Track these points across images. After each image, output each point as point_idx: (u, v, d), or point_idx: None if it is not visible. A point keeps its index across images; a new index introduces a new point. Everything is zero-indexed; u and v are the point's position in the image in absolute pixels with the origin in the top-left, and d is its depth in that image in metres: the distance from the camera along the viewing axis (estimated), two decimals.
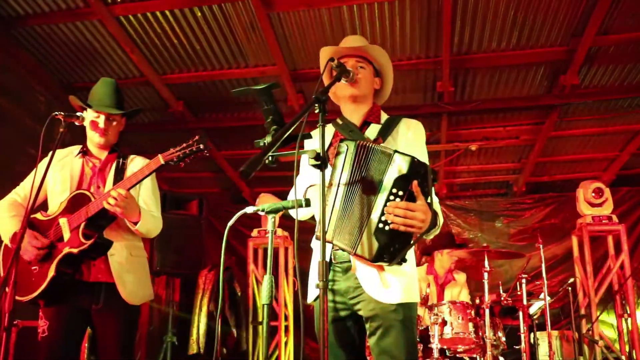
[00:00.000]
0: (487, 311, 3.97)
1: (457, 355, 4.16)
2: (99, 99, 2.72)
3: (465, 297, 4.77)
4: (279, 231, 6.01)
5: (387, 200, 1.81)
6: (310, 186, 2.08)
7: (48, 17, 4.36)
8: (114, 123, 2.74)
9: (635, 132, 6.18)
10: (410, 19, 4.44)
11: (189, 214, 5.54)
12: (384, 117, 2.23)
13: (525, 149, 6.68)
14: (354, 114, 2.20)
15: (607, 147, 6.61)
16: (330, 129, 2.18)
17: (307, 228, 2.02)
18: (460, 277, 4.97)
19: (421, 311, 4.26)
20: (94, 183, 2.69)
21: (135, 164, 2.73)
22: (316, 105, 1.73)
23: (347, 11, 4.34)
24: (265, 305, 1.74)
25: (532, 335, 4.67)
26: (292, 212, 2.09)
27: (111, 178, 2.69)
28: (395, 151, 1.85)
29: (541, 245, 4.63)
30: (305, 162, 2.13)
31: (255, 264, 6.18)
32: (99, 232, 2.51)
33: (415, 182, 1.81)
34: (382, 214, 1.81)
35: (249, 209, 1.91)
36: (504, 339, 4.24)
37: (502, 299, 4.38)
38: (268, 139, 1.71)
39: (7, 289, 2.10)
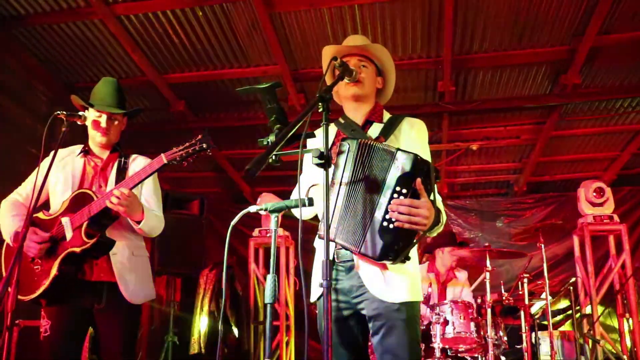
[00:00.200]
0: (489, 311, 3.97)
1: (459, 354, 4.16)
2: (100, 99, 2.72)
3: (467, 295, 4.77)
4: (280, 231, 6.02)
5: (391, 198, 1.81)
6: (313, 185, 2.07)
7: (49, 16, 4.36)
8: (116, 122, 2.74)
9: (636, 131, 6.18)
10: (411, 19, 4.44)
11: (190, 213, 5.53)
12: (387, 116, 2.23)
13: (526, 149, 6.68)
14: (356, 113, 2.20)
15: (608, 146, 6.61)
16: (332, 128, 2.19)
17: (309, 227, 2.02)
18: (462, 275, 4.97)
19: (422, 309, 4.26)
20: (95, 182, 2.68)
21: (137, 163, 2.72)
22: (320, 104, 1.72)
23: (349, 11, 4.34)
24: (269, 305, 1.73)
25: (533, 334, 4.67)
26: (294, 212, 2.09)
27: (113, 177, 2.69)
28: (398, 149, 1.85)
29: (542, 245, 4.62)
30: (308, 161, 2.12)
31: (256, 263, 6.18)
32: (102, 231, 2.51)
33: (418, 180, 1.81)
34: (386, 212, 1.81)
35: (252, 208, 1.91)
36: (505, 338, 4.24)
37: (504, 298, 4.38)
38: (271, 138, 1.71)
39: (9, 289, 2.10)
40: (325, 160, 1.67)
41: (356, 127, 2.14)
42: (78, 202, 2.54)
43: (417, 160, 1.81)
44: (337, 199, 1.90)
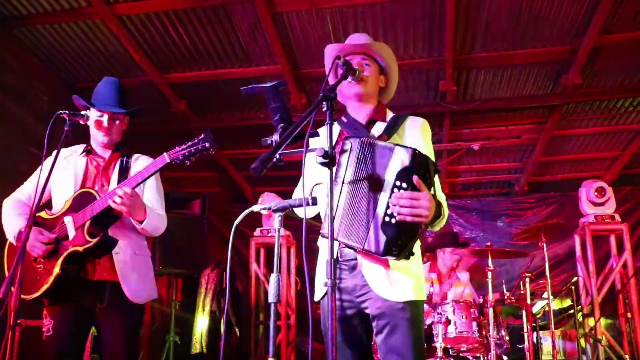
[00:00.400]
0: (490, 310, 3.97)
1: (461, 354, 4.15)
2: (102, 98, 2.72)
3: (468, 295, 4.77)
4: (281, 231, 6.00)
5: (392, 193, 1.81)
6: (317, 184, 2.07)
7: (51, 16, 4.36)
8: (117, 122, 2.74)
9: (637, 131, 6.17)
10: (412, 19, 4.44)
11: (191, 213, 5.53)
12: (390, 114, 2.23)
13: (527, 148, 6.68)
14: (359, 112, 2.19)
15: (609, 146, 6.60)
16: (335, 127, 2.18)
17: (311, 227, 2.02)
18: (464, 275, 4.97)
19: (424, 309, 4.25)
20: (98, 182, 2.69)
21: (140, 162, 2.73)
22: (324, 103, 1.72)
23: (350, 10, 4.34)
24: (273, 304, 1.73)
25: (535, 334, 4.67)
26: (297, 211, 2.09)
27: (115, 177, 2.69)
28: (396, 144, 1.86)
29: (545, 244, 4.62)
30: (311, 161, 2.12)
31: (257, 263, 6.18)
32: (104, 231, 2.51)
33: (418, 173, 1.81)
34: (388, 207, 1.81)
35: (256, 208, 1.91)
36: (507, 337, 4.24)
37: (506, 298, 4.38)
38: (275, 137, 1.71)
39: (12, 288, 2.10)
40: (329, 159, 1.67)
41: (360, 127, 2.14)
42: (80, 201, 2.54)
43: (415, 155, 1.82)
44: (340, 198, 1.90)
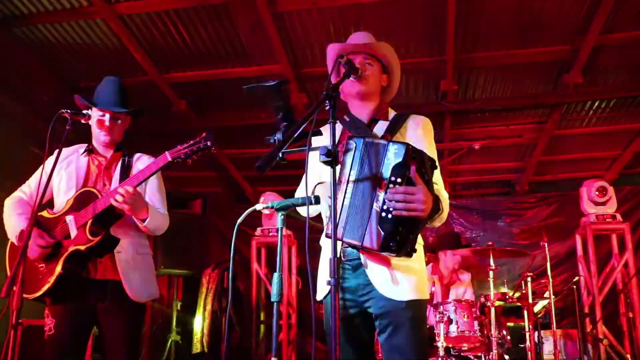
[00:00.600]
0: (492, 309, 3.96)
1: (462, 353, 4.15)
2: (104, 98, 2.72)
3: (470, 297, 4.77)
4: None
5: (387, 189, 1.82)
6: (319, 183, 2.07)
7: (52, 16, 4.36)
8: (119, 121, 2.74)
9: (638, 131, 6.17)
10: (414, 18, 4.43)
11: (192, 213, 5.54)
12: (392, 113, 2.23)
13: (528, 148, 6.67)
14: (361, 111, 2.20)
15: (610, 145, 6.60)
16: (338, 126, 2.18)
17: (314, 226, 2.02)
18: (465, 277, 4.97)
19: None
20: (99, 181, 2.69)
21: (141, 162, 2.73)
22: (327, 102, 1.72)
23: (352, 10, 4.34)
24: (276, 303, 1.73)
25: (536, 333, 4.66)
26: (299, 210, 2.09)
27: (117, 176, 2.69)
28: (390, 140, 1.87)
29: (546, 244, 4.62)
30: (313, 159, 2.12)
31: (259, 262, 6.18)
32: (106, 230, 2.51)
33: (413, 168, 1.82)
34: (384, 203, 1.81)
35: (258, 207, 1.90)
36: (508, 337, 4.24)
37: (507, 297, 4.38)
38: (279, 135, 1.71)
39: (14, 287, 2.10)
40: (332, 157, 1.67)
41: (362, 125, 2.14)
42: (82, 200, 2.54)
43: (408, 149, 1.82)
44: (344, 198, 1.90)
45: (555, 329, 4.56)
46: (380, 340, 1.99)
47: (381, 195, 1.83)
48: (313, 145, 1.80)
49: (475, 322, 4.00)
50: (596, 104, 5.65)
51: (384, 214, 1.81)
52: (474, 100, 5.54)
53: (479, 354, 4.17)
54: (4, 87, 4.55)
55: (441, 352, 3.89)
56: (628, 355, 5.14)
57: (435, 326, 4.00)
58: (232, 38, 4.68)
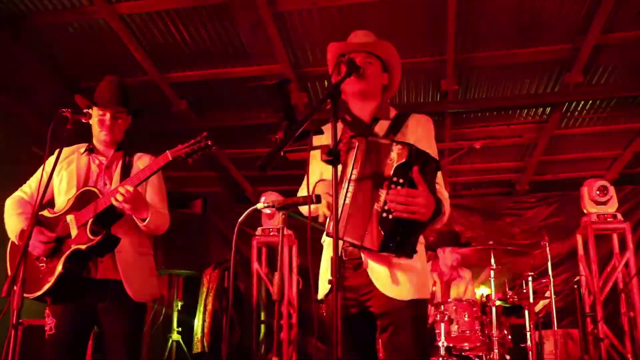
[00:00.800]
0: (493, 309, 3.96)
1: (463, 353, 4.15)
2: (104, 97, 2.72)
3: (470, 294, 4.76)
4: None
5: (389, 189, 1.81)
6: (320, 181, 2.07)
7: (52, 15, 4.35)
8: (120, 121, 2.75)
9: (638, 130, 6.16)
10: (414, 18, 4.43)
11: (192, 212, 5.54)
12: (393, 112, 2.23)
13: (528, 148, 6.67)
14: (362, 110, 2.19)
15: (611, 145, 6.59)
16: (339, 125, 2.17)
17: (314, 227, 2.01)
18: (466, 274, 4.97)
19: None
20: (100, 180, 2.69)
21: (142, 161, 2.73)
22: (328, 100, 1.72)
23: (352, 10, 4.33)
24: (277, 302, 1.72)
25: (537, 333, 4.66)
26: (301, 209, 2.09)
27: (117, 175, 2.69)
28: (393, 140, 1.86)
29: (547, 243, 4.62)
30: (315, 158, 2.12)
31: (259, 262, 6.18)
32: (107, 229, 2.50)
33: (415, 169, 1.81)
34: (385, 203, 1.81)
35: (260, 206, 1.90)
36: (509, 337, 4.24)
37: (508, 297, 4.38)
38: (280, 134, 1.71)
39: (15, 287, 2.10)
40: (334, 156, 1.66)
41: (363, 124, 2.14)
42: (83, 199, 2.54)
43: (412, 150, 1.82)
44: (345, 197, 1.90)
45: (556, 328, 4.56)
46: (381, 340, 1.99)
47: (382, 195, 1.82)
48: (314, 145, 1.80)
49: (476, 322, 4.00)
50: (597, 103, 5.64)
51: (384, 215, 1.81)
52: (474, 100, 5.53)
53: (480, 354, 4.17)
54: (4, 87, 4.55)
55: (442, 352, 3.89)
56: (629, 355, 5.13)
57: (436, 326, 4.00)
58: (232, 38, 4.68)
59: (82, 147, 2.78)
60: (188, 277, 6.21)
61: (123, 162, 2.73)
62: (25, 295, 2.41)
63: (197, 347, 5.90)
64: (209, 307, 6.06)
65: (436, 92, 5.49)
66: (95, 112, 2.70)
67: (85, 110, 2.61)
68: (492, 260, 4.26)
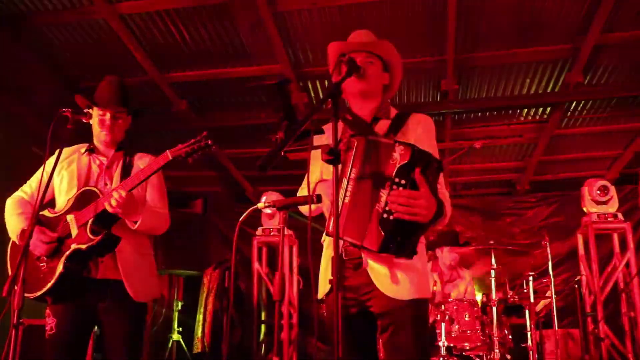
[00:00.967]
0: (494, 309, 3.96)
1: (464, 353, 4.15)
2: (104, 97, 2.72)
3: (470, 294, 4.76)
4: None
5: (390, 190, 1.81)
6: (321, 181, 2.07)
7: (52, 15, 4.35)
8: (120, 121, 2.75)
9: (638, 130, 6.16)
10: (414, 18, 4.43)
11: (193, 212, 5.53)
12: (393, 112, 2.22)
13: (528, 147, 6.67)
14: (363, 110, 2.19)
15: (611, 145, 6.59)
16: (339, 125, 2.17)
17: (315, 227, 2.01)
18: (466, 274, 4.97)
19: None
20: (101, 180, 2.69)
21: (143, 161, 2.73)
22: (329, 100, 1.72)
23: (352, 9, 4.33)
24: (278, 302, 1.72)
25: (537, 333, 4.66)
26: (301, 209, 2.09)
27: (118, 175, 2.69)
28: (396, 141, 1.86)
29: (547, 243, 4.62)
30: (315, 158, 2.12)
31: (260, 262, 6.18)
32: (107, 229, 2.50)
33: (417, 170, 1.81)
34: (386, 204, 1.81)
35: (261, 205, 1.90)
36: (510, 336, 4.24)
37: (509, 296, 4.38)
38: (280, 134, 1.71)
39: (15, 287, 2.10)
40: (334, 156, 1.66)
41: (363, 124, 2.14)
42: (83, 199, 2.54)
43: (415, 151, 1.81)
44: (344, 196, 1.89)
45: (556, 328, 4.56)
46: (381, 340, 1.98)
47: (383, 195, 1.82)
48: (315, 144, 1.80)
49: (477, 322, 3.99)
50: (597, 103, 5.64)
51: (385, 215, 1.80)
52: (474, 100, 5.53)
53: (481, 354, 4.17)
54: (4, 87, 4.55)
55: (443, 352, 3.89)
56: (629, 355, 5.13)
57: (436, 325, 4.00)
58: (232, 38, 4.68)
59: (83, 147, 2.78)
60: (188, 277, 6.21)
61: (123, 162, 2.73)
62: (25, 295, 2.41)
63: (197, 347, 5.90)
64: (210, 307, 6.06)
65: (436, 92, 5.49)
66: (95, 112, 2.70)
67: (85, 110, 2.61)
68: (493, 260, 4.26)
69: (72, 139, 2.54)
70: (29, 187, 2.77)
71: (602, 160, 7.01)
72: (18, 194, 2.76)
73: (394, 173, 1.81)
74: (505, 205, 7.43)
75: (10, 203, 2.73)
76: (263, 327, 6.26)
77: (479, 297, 4.62)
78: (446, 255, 4.98)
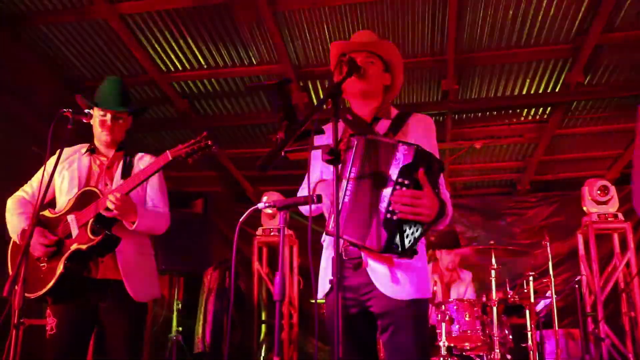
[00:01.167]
0: (494, 309, 3.96)
1: (464, 353, 4.15)
2: (105, 98, 2.72)
3: (471, 295, 4.76)
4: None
5: (394, 190, 1.81)
6: (321, 181, 2.07)
7: (53, 15, 4.35)
8: (121, 121, 2.75)
9: None
10: (415, 17, 4.43)
11: (193, 212, 5.53)
12: (394, 112, 2.22)
13: (529, 147, 6.67)
14: (363, 110, 2.19)
15: (612, 145, 6.59)
16: (340, 125, 2.17)
17: (314, 227, 2.01)
18: (466, 275, 4.97)
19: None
20: (101, 181, 2.69)
21: (143, 161, 2.73)
22: (329, 100, 1.72)
23: (352, 9, 4.33)
24: (278, 302, 1.72)
25: (538, 333, 4.66)
26: (301, 209, 2.09)
27: (118, 176, 2.69)
28: (399, 141, 1.85)
29: (548, 243, 4.61)
30: (316, 158, 2.12)
31: (260, 262, 6.18)
32: (108, 229, 2.50)
33: (421, 171, 1.81)
34: (389, 204, 1.80)
35: (261, 205, 1.90)
36: (510, 336, 4.24)
37: (509, 296, 4.38)
38: (281, 134, 1.70)
39: (16, 287, 2.10)
40: (335, 156, 1.66)
41: (364, 124, 2.14)
42: (84, 200, 2.55)
43: (418, 151, 1.81)
44: (344, 195, 1.89)
45: (557, 328, 4.55)
46: (381, 340, 1.98)
47: (386, 195, 1.82)
48: (315, 144, 1.80)
49: (477, 322, 3.99)
50: (597, 103, 5.64)
51: (388, 215, 1.80)
52: (474, 100, 5.54)
53: (481, 354, 4.17)
54: (4, 87, 4.55)
55: (443, 352, 3.89)
56: (630, 355, 5.13)
57: (437, 325, 4.00)
58: (233, 37, 4.68)
59: (84, 147, 2.79)
60: (188, 277, 6.21)
61: (124, 162, 2.73)
62: (26, 295, 2.42)
63: (197, 347, 5.90)
64: (210, 307, 6.06)
65: (437, 92, 5.48)
66: (96, 113, 2.71)
67: (86, 111, 2.61)
68: (493, 260, 4.26)
69: (73, 139, 2.54)
70: (30, 187, 2.77)
71: (603, 160, 7.01)
72: (19, 193, 2.76)
73: (397, 173, 1.81)
74: (506, 205, 7.42)
75: (11, 203, 2.73)
76: (263, 327, 6.26)
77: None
78: (444, 257, 4.98)
